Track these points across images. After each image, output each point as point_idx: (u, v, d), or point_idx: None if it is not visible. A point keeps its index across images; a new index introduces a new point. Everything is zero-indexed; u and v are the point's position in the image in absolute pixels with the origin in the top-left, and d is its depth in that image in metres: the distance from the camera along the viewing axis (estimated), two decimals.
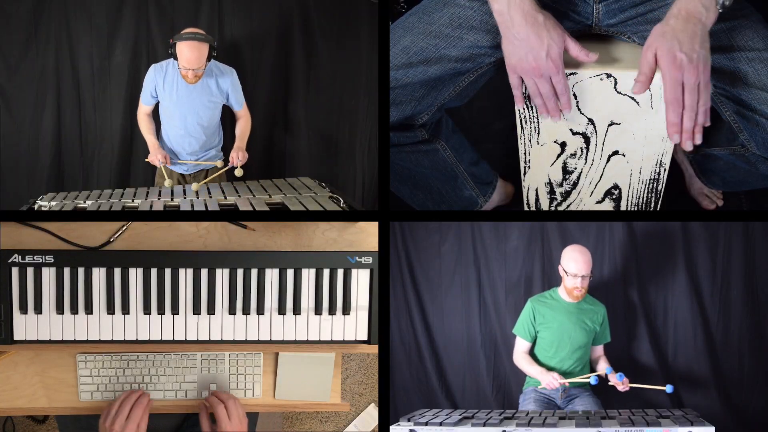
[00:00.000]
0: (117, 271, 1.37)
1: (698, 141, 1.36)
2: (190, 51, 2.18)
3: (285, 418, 2.51)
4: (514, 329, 2.03)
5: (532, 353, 2.02)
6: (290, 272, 1.40)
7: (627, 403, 1.77)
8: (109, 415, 1.35)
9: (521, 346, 2.01)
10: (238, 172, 2.29)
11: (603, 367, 1.95)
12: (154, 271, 1.38)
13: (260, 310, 1.39)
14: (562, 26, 1.40)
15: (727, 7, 1.32)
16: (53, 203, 1.99)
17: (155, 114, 2.44)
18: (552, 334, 1.96)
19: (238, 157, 2.32)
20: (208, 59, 2.25)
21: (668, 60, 1.31)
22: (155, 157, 2.32)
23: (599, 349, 2.02)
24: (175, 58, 2.22)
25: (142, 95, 2.39)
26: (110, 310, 1.37)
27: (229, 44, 2.70)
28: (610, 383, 1.87)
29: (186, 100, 2.33)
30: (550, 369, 1.94)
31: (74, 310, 1.36)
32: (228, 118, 2.54)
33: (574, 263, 1.91)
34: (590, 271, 1.92)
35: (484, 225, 2.30)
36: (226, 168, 2.34)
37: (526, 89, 1.47)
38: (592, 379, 1.83)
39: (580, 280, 1.90)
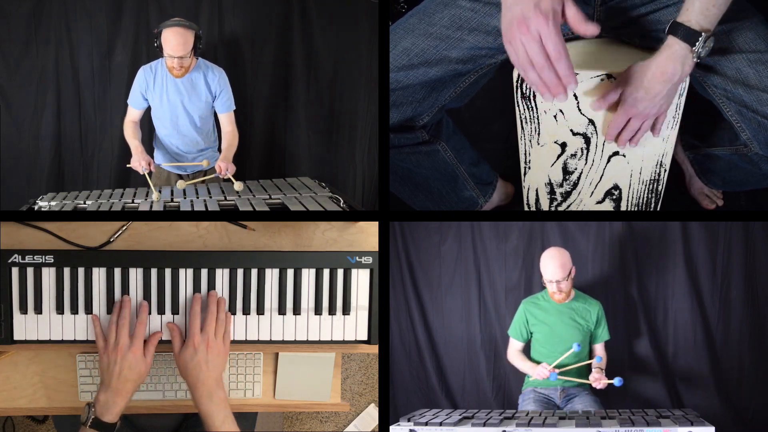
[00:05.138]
0: (117, 271, 1.37)
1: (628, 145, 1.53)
2: (174, 37, 2.16)
3: (285, 418, 2.51)
4: (508, 330, 2.04)
5: (528, 354, 2.03)
6: (290, 272, 1.40)
7: (627, 403, 1.77)
8: (108, 340, 1.32)
9: (514, 345, 2.05)
10: (238, 186, 2.09)
11: (596, 364, 1.94)
12: (154, 271, 1.37)
13: (260, 310, 1.39)
14: None
15: (704, 57, 1.36)
16: (53, 203, 1.99)
17: (147, 121, 2.41)
18: (544, 334, 1.98)
19: (227, 168, 2.19)
20: (194, 50, 2.22)
21: (626, 105, 1.43)
22: (138, 162, 2.20)
23: (599, 349, 2.01)
24: (160, 50, 2.21)
25: (130, 99, 2.34)
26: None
27: (229, 44, 2.70)
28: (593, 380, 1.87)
29: (176, 99, 2.31)
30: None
31: (74, 310, 1.36)
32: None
33: (548, 269, 1.92)
34: (567, 275, 1.91)
35: (484, 225, 2.30)
36: (213, 176, 2.27)
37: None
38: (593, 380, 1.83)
39: (555, 284, 1.91)
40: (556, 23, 1.24)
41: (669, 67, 1.35)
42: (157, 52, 2.26)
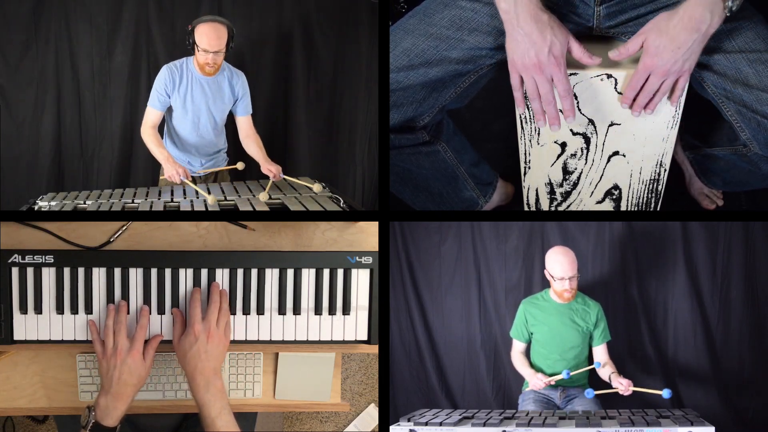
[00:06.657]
0: (117, 271, 1.37)
1: (643, 112, 1.49)
2: (211, 31, 2.13)
3: (285, 418, 2.51)
4: (510, 332, 2.04)
5: (528, 354, 2.03)
6: (290, 272, 1.40)
7: (627, 403, 1.77)
8: (106, 345, 1.32)
9: (517, 346, 2.05)
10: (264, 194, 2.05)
11: (605, 373, 1.91)
12: (154, 271, 1.37)
13: (260, 310, 1.39)
14: (567, 28, 1.41)
15: (734, 12, 1.33)
16: (53, 203, 1.99)
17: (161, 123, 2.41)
18: (544, 335, 1.97)
19: (278, 170, 2.22)
20: (227, 45, 2.20)
21: (648, 55, 1.39)
22: (175, 172, 2.12)
23: (601, 351, 1.99)
24: (192, 47, 2.18)
25: (151, 100, 2.25)
26: None
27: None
28: (613, 389, 1.83)
29: (201, 100, 2.28)
30: (544, 369, 1.95)
31: (74, 310, 1.36)
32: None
33: (559, 266, 1.89)
34: (577, 270, 1.90)
35: (484, 225, 2.30)
36: (271, 183, 2.19)
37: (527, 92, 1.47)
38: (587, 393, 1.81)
39: (567, 282, 1.89)
40: (565, 64, 1.41)
41: (697, 13, 1.32)
42: (162, 55, 2.23)
